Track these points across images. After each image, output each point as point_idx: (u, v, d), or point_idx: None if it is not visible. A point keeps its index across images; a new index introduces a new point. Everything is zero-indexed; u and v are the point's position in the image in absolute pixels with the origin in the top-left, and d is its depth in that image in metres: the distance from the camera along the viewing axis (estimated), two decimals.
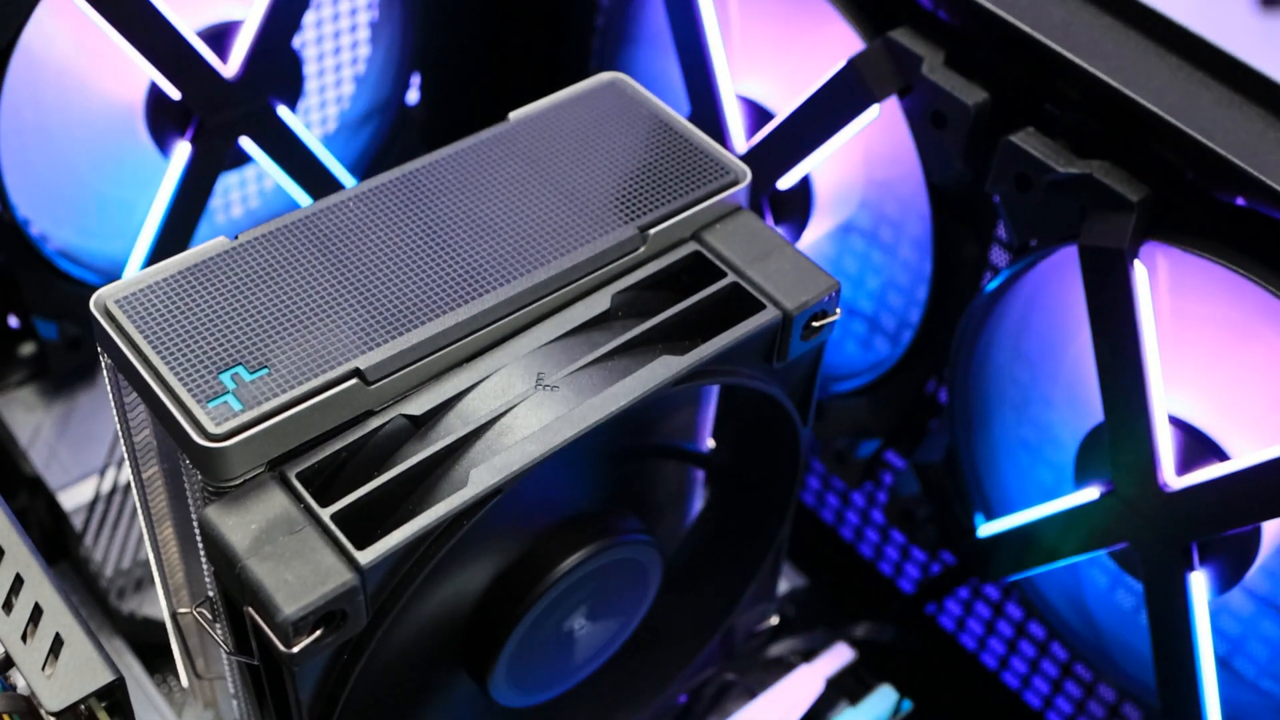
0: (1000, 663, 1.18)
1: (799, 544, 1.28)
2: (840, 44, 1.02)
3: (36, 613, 0.69)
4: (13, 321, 1.24)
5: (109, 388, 0.77)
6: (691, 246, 0.83)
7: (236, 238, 0.77)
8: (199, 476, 0.71)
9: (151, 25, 1.06)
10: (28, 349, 1.27)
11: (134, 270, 1.21)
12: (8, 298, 1.20)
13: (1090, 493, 0.97)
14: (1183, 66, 0.88)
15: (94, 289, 1.16)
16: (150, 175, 1.19)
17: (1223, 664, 0.98)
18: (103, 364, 0.76)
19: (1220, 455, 0.90)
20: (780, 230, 1.11)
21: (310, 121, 1.32)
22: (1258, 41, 2.48)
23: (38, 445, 1.25)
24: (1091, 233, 0.87)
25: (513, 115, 0.87)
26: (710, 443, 0.95)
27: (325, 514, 0.69)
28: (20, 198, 1.13)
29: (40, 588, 0.70)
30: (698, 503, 1.00)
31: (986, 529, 1.07)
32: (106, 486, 1.20)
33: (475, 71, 1.42)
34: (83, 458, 1.24)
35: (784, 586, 1.26)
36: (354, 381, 0.72)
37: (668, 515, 0.98)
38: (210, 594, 0.80)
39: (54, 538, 1.24)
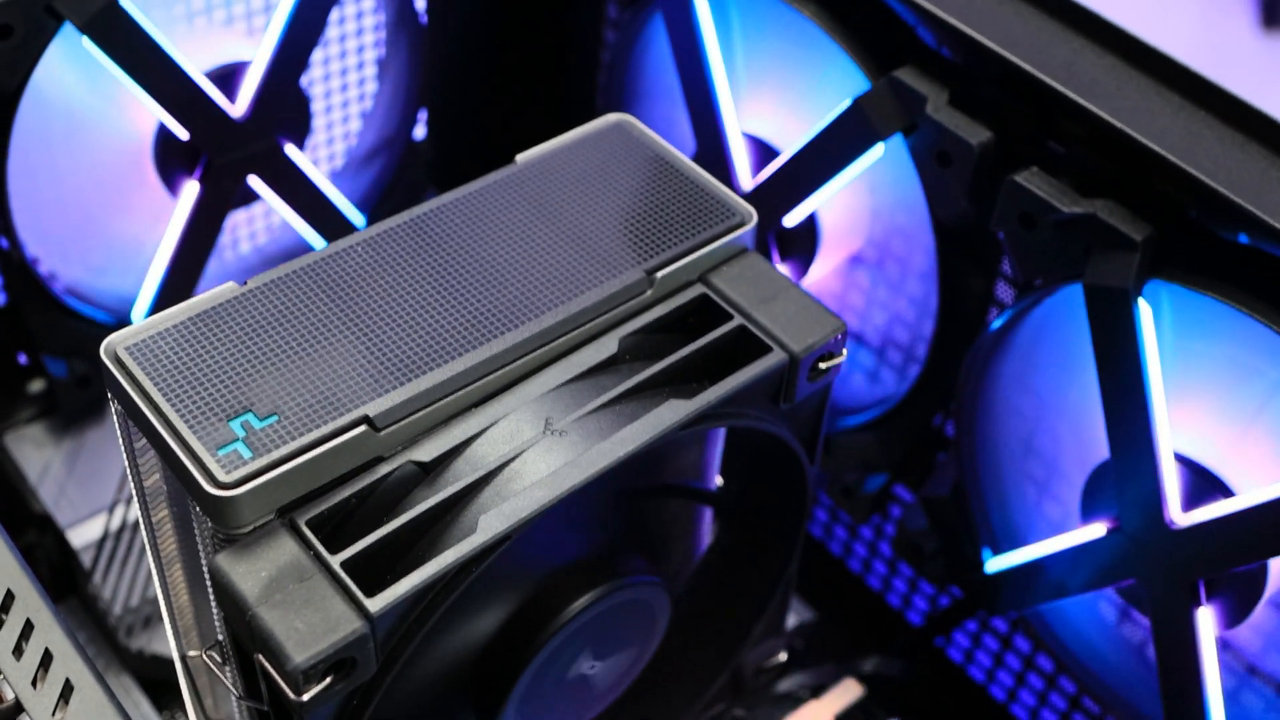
0: (1009, 695, 1.18)
1: (806, 575, 1.28)
2: (845, 82, 1.02)
3: (47, 658, 0.70)
4: (21, 358, 1.24)
5: (119, 433, 0.78)
6: (698, 289, 0.84)
7: (245, 283, 0.78)
8: (209, 523, 0.71)
9: (160, 68, 1.07)
10: (37, 386, 1.28)
11: (143, 307, 1.21)
12: (16, 335, 1.21)
13: (1097, 529, 0.97)
14: (1185, 106, 0.89)
15: (102, 327, 1.18)
16: (159, 214, 1.19)
17: (1230, 698, 0.98)
18: (113, 410, 0.76)
19: (1226, 492, 0.91)
20: (787, 266, 1.12)
21: (318, 158, 1.33)
22: (1260, 62, 2.48)
23: (47, 482, 1.25)
24: (1096, 272, 0.88)
25: (520, 158, 0.87)
26: (718, 480, 0.96)
27: (335, 561, 0.69)
28: (29, 236, 1.14)
29: (50, 633, 0.70)
30: (706, 539, 1.00)
31: (994, 563, 1.07)
32: (115, 524, 1.21)
33: (482, 107, 1.43)
34: (91, 495, 1.25)
35: (792, 620, 1.26)
36: (363, 428, 0.72)
37: (675, 552, 0.98)
38: (220, 638, 0.80)
39: (62, 574, 1.24)
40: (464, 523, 0.73)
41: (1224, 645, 0.96)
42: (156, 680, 1.18)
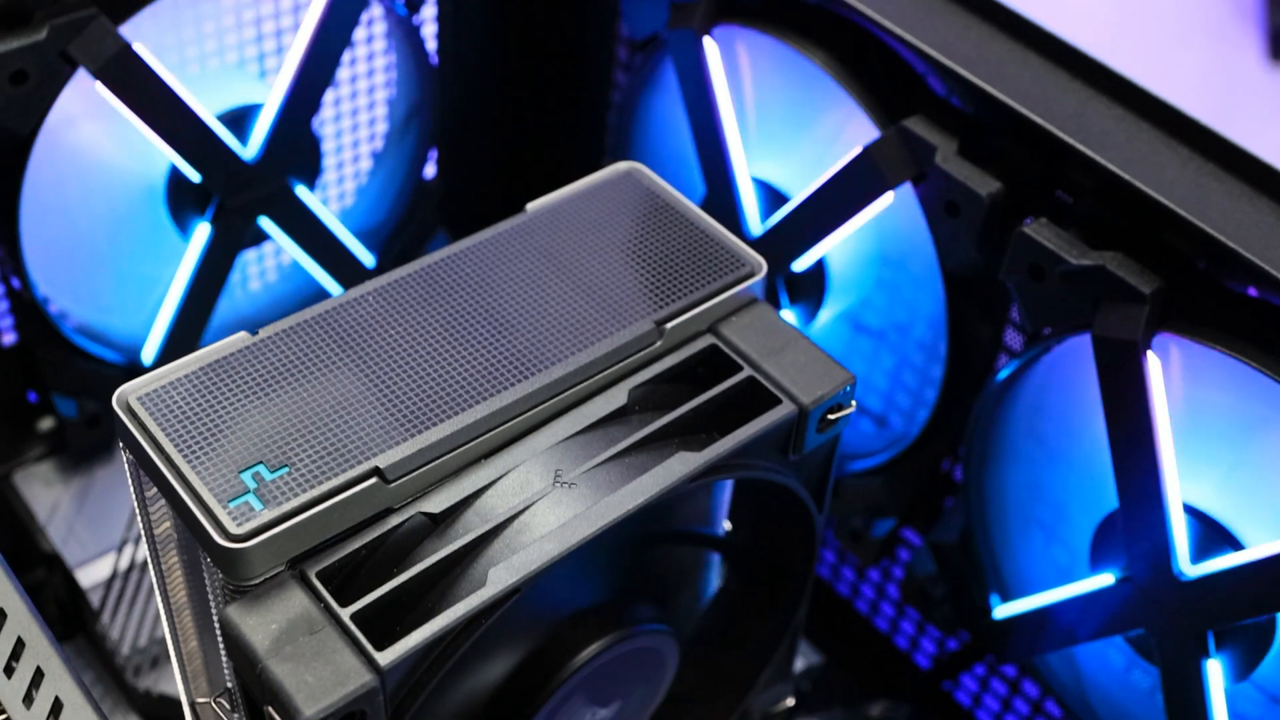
0: None
1: (813, 616, 1.28)
2: (854, 130, 1.03)
3: (57, 706, 0.70)
4: (32, 397, 1.25)
5: (130, 481, 0.78)
6: (708, 339, 0.84)
7: (257, 332, 0.78)
8: (220, 574, 0.71)
9: (172, 111, 1.07)
10: (46, 424, 1.28)
11: (153, 347, 1.22)
12: (27, 374, 1.21)
13: (1106, 578, 0.97)
14: (1194, 158, 0.89)
15: (113, 366, 1.18)
16: (170, 254, 1.20)
17: None
18: (124, 459, 0.76)
19: (1235, 545, 0.91)
20: (795, 310, 1.12)
21: (328, 196, 1.33)
22: (1267, 94, 2.48)
23: (55, 521, 1.25)
24: (1105, 324, 0.88)
25: (530, 206, 0.88)
26: (726, 525, 0.96)
27: (345, 614, 0.69)
28: (40, 276, 1.14)
29: (60, 681, 0.70)
30: (713, 584, 1.00)
31: (1002, 610, 1.07)
32: (124, 563, 1.21)
33: (492, 147, 1.43)
34: (100, 534, 1.25)
35: (799, 663, 1.26)
36: (374, 480, 0.72)
37: (683, 598, 0.98)
38: (229, 685, 0.80)
39: (70, 613, 1.24)
40: (473, 575, 0.73)
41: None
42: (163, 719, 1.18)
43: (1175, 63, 2.47)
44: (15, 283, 1.12)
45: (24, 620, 0.71)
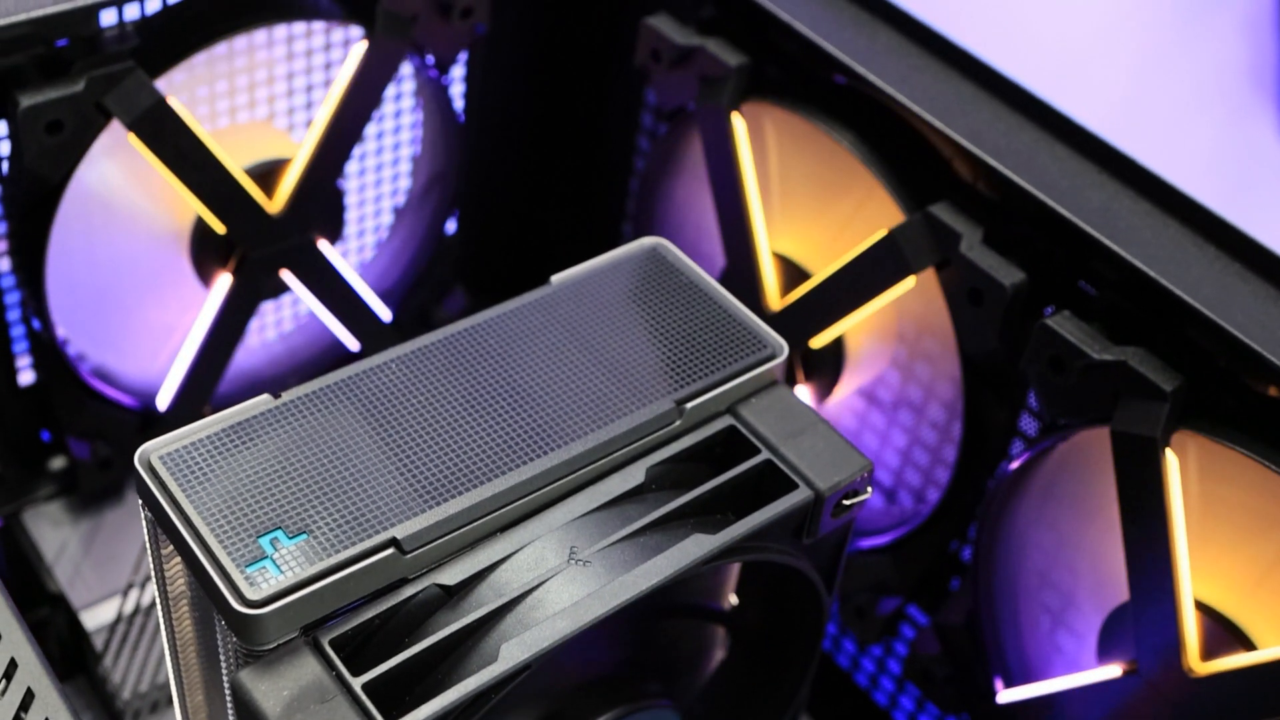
0: None
1: (812, 688, 1.28)
2: (879, 212, 1.03)
3: None
4: (45, 436, 1.25)
5: (146, 538, 0.78)
6: (726, 420, 0.84)
7: (279, 395, 0.78)
8: (233, 638, 0.71)
9: (202, 165, 1.08)
10: (58, 463, 1.28)
11: (169, 394, 1.22)
12: (42, 414, 1.22)
13: (1113, 669, 0.97)
14: (1220, 257, 0.89)
15: (127, 411, 1.19)
16: (190, 303, 1.20)
17: None
18: (142, 516, 0.77)
19: (1248, 645, 0.91)
20: (811, 386, 1.12)
21: (348, 249, 1.34)
22: None
23: (62, 561, 1.25)
24: (1124, 419, 0.88)
25: (555, 279, 0.88)
26: (733, 599, 0.96)
27: (357, 684, 0.69)
28: (61, 318, 1.14)
29: (58, 714, 0.70)
30: (718, 656, 1.00)
31: (1006, 695, 1.07)
32: (129, 607, 1.21)
33: (514, 207, 1.44)
34: (107, 576, 1.25)
35: None
36: (391, 550, 0.72)
37: (687, 669, 0.98)
38: None
39: (72, 654, 1.24)
40: (485, 649, 0.73)
41: None
42: None
43: (1193, 134, 2.48)
44: (36, 324, 1.13)
45: (31, 666, 0.71)
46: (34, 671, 0.71)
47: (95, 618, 1.23)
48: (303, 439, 0.76)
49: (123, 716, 1.19)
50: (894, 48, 1.03)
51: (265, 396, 0.78)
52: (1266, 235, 0.91)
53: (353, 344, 1.30)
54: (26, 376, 1.20)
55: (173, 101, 1.04)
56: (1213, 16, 2.70)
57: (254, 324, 1.31)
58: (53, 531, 1.28)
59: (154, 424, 1.23)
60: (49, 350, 1.15)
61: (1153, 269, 0.87)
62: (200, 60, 1.09)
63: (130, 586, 1.22)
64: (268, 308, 1.32)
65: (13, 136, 1.00)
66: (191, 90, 1.11)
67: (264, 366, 1.34)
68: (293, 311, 1.35)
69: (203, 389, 1.23)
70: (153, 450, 0.75)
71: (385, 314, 1.31)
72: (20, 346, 1.18)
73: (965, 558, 1.12)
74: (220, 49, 1.10)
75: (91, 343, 1.21)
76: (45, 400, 1.19)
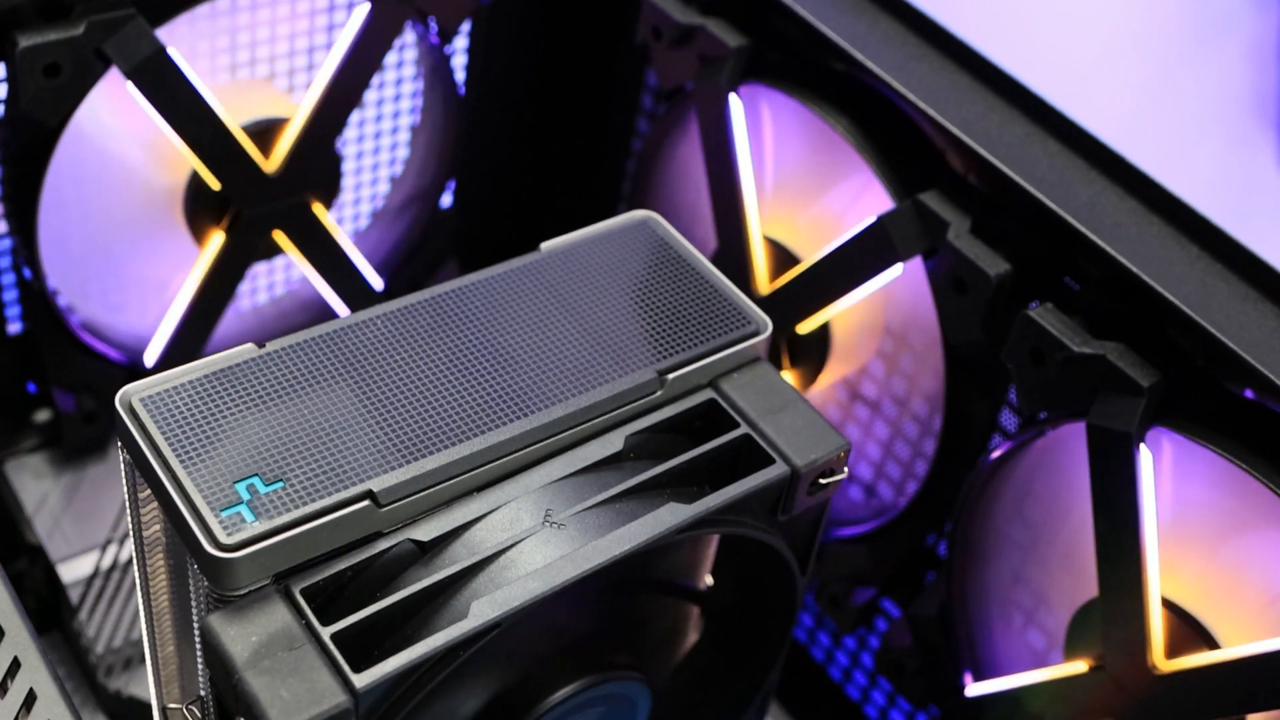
0: None
1: (785, 680, 1.28)
2: (870, 199, 1.04)
3: (30, 698, 0.70)
4: (31, 387, 1.25)
5: (124, 481, 0.78)
6: (708, 394, 0.85)
7: (264, 345, 0.79)
8: (205, 582, 0.71)
9: (200, 118, 1.08)
10: (43, 415, 1.28)
11: (157, 349, 1.22)
12: (29, 364, 1.22)
13: (1079, 665, 0.97)
14: (1203, 256, 0.90)
15: (114, 365, 1.19)
16: (182, 259, 1.20)
17: None
18: (121, 458, 0.77)
19: (1211, 643, 0.91)
20: (796, 372, 1.13)
21: (343, 216, 1.34)
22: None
23: (42, 513, 1.26)
24: (1101, 413, 0.88)
25: (544, 246, 0.88)
26: (708, 579, 0.96)
27: (326, 633, 0.70)
28: (52, 268, 1.15)
29: (36, 674, 0.71)
30: (691, 635, 1.01)
31: (975, 688, 1.08)
32: (106, 562, 1.21)
33: (510, 181, 1.44)
34: (86, 530, 1.25)
35: None
36: (366, 503, 0.73)
37: (660, 647, 0.98)
38: (203, 693, 0.80)
39: (49, 607, 1.24)
40: (456, 606, 0.73)
41: None
42: None
43: (1192, 156, 2.49)
44: (27, 273, 1.13)
45: (6, 611, 0.72)
46: (12, 622, 0.71)
47: (72, 571, 1.23)
48: (284, 389, 0.77)
49: (96, 671, 1.19)
50: (893, 36, 1.04)
51: (249, 345, 0.78)
52: (1258, 249, 0.91)
53: (343, 311, 1.30)
54: (15, 326, 1.20)
55: (173, 52, 1.04)
56: (1220, 41, 2.71)
57: (244, 287, 1.32)
58: (34, 483, 1.28)
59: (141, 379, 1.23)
60: (39, 301, 1.15)
61: (1136, 266, 0.87)
62: (203, 12, 1.09)
63: (109, 542, 1.22)
64: (259, 270, 1.32)
65: (10, 78, 1.00)
66: (193, 43, 1.11)
67: (253, 329, 1.34)
68: (284, 276, 1.35)
69: (191, 347, 1.24)
70: (134, 392, 0.75)
71: (377, 283, 1.31)
72: (10, 295, 1.19)
73: (941, 551, 1.13)
74: (223, 2, 1.11)
75: (82, 295, 1.21)
76: (33, 351, 1.20)
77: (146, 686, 0.88)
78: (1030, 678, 1.02)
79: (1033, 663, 1.05)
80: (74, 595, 1.21)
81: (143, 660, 1.17)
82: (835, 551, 1.16)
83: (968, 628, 1.09)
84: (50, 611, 1.24)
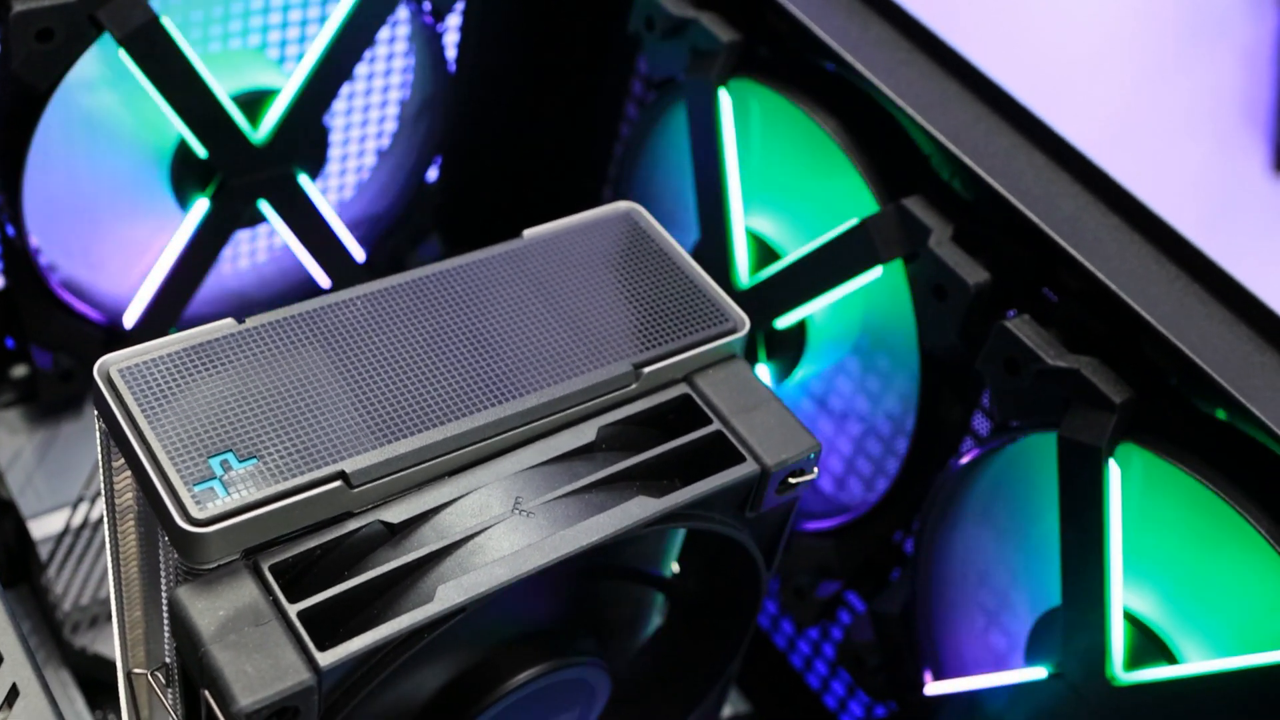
0: None
1: (747, 666, 1.29)
2: (854, 199, 1.04)
3: None
4: (9, 343, 1.25)
5: (99, 449, 0.79)
6: (682, 389, 0.85)
7: (244, 321, 0.79)
8: (175, 554, 0.72)
9: (190, 86, 1.08)
10: (20, 371, 1.29)
11: (136, 312, 1.22)
12: (7, 321, 1.22)
13: (1039, 671, 0.98)
14: (1181, 276, 0.91)
15: (93, 325, 1.19)
16: (165, 224, 1.21)
17: None
18: (96, 427, 0.77)
19: (1170, 657, 0.92)
20: (772, 366, 1.13)
21: (327, 187, 1.34)
22: (1266, 206, 2.51)
23: (15, 469, 1.26)
24: (1072, 426, 0.89)
25: (527, 233, 0.89)
26: (674, 567, 0.97)
27: (292, 610, 0.70)
28: (35, 226, 1.15)
29: (4, 635, 0.71)
30: (654, 622, 1.01)
31: (934, 687, 1.09)
32: (77, 520, 1.22)
33: (496, 159, 1.44)
34: (58, 487, 1.25)
35: (727, 710, 1.27)
36: (338, 483, 0.73)
37: (622, 633, 0.99)
38: (168, 661, 0.81)
39: (18, 562, 1.25)
40: (422, 589, 0.74)
41: None
42: (95, 679, 1.19)
43: (1181, 158, 2.50)
44: (10, 230, 1.13)
45: None
46: None
47: (43, 528, 1.23)
48: (262, 366, 0.77)
49: (61, 628, 1.19)
50: (885, 40, 1.04)
51: (229, 320, 0.79)
52: (1238, 264, 0.92)
53: (324, 280, 1.31)
54: None
55: (166, 21, 1.04)
56: (1213, 45, 2.72)
57: (227, 252, 1.32)
58: (8, 438, 1.28)
59: (119, 341, 1.23)
60: (20, 257, 1.15)
61: (1114, 282, 0.88)
62: None
63: (80, 500, 1.23)
64: (242, 237, 1.32)
65: (3, 40, 1.00)
66: (185, 12, 1.11)
67: (234, 295, 1.34)
68: (267, 243, 1.35)
69: (170, 311, 1.24)
70: (112, 363, 0.75)
71: (359, 254, 1.31)
72: None
73: (908, 549, 1.14)
74: None
75: (64, 254, 1.21)
76: (12, 307, 1.20)
77: (112, 646, 0.89)
78: (989, 680, 1.03)
79: (993, 665, 1.06)
80: (44, 552, 1.21)
81: (109, 620, 1.18)
82: (802, 545, 1.17)
83: (930, 626, 1.10)
84: (19, 566, 1.25)
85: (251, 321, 0.79)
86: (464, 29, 1.31)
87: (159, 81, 1.07)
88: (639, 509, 0.79)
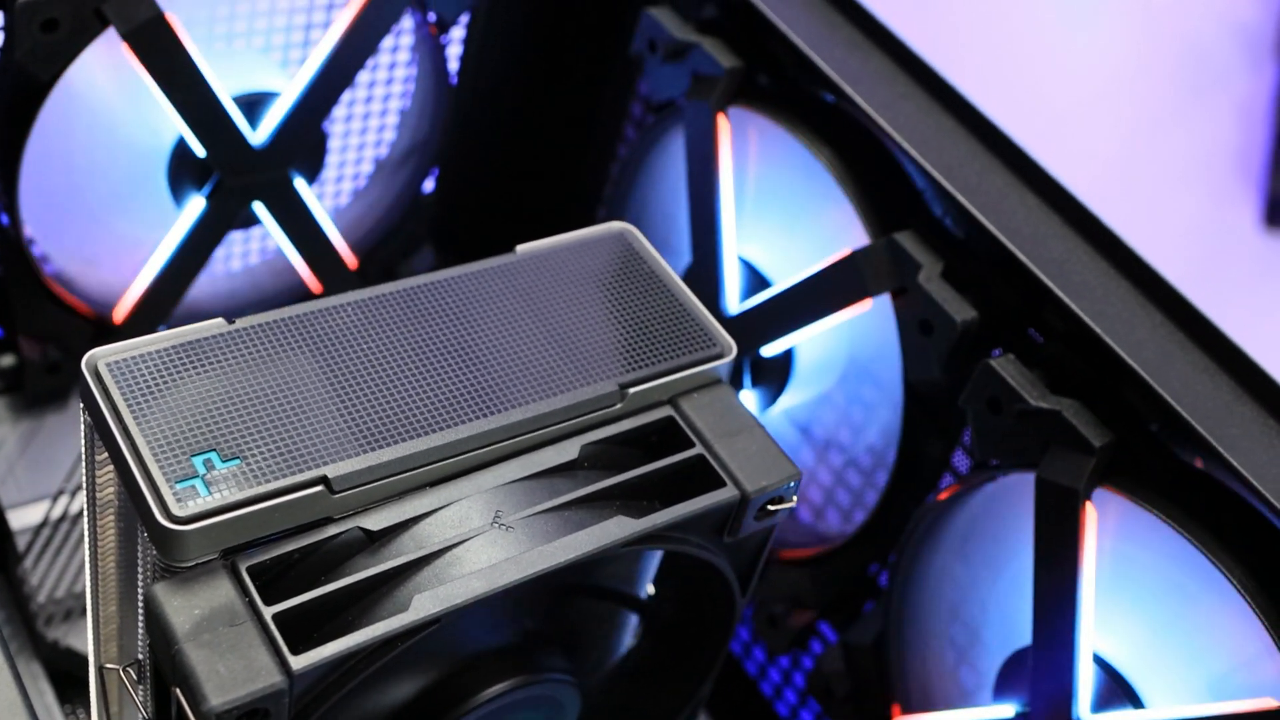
0: None
1: (717, 691, 1.29)
2: (846, 231, 1.05)
3: None
4: None
5: (83, 442, 0.79)
6: (666, 411, 0.86)
7: (234, 322, 0.79)
8: (153, 551, 0.72)
9: (192, 85, 1.09)
10: (7, 360, 1.28)
11: (126, 307, 1.23)
12: None
13: (1006, 709, 0.99)
14: (1166, 324, 0.91)
15: (83, 319, 1.19)
16: (161, 221, 1.21)
17: None
18: (81, 420, 0.78)
19: (1136, 701, 0.92)
20: (757, 393, 1.14)
21: (323, 193, 1.35)
22: (1256, 261, 2.52)
23: None
24: (1051, 467, 0.90)
25: (520, 249, 0.89)
26: (650, 589, 0.97)
27: (267, 613, 0.70)
28: (30, 216, 1.15)
29: None
30: (627, 642, 1.02)
31: None
32: (57, 513, 1.22)
33: (493, 174, 1.45)
34: (39, 479, 1.25)
35: None
36: (319, 488, 0.73)
37: (595, 651, 0.99)
38: (141, 658, 0.81)
39: None
40: (398, 598, 0.74)
41: None
42: (66, 672, 1.19)
43: (1171, 210, 2.51)
44: (4, 219, 1.13)
45: None
46: None
47: (21, 518, 1.23)
48: (250, 367, 0.77)
49: (35, 619, 1.19)
50: (884, 74, 1.05)
51: (219, 320, 0.79)
52: (1223, 314, 0.93)
53: (315, 286, 1.31)
54: None
55: (171, 18, 1.04)
56: (1210, 97, 2.73)
57: (220, 252, 1.32)
58: None
59: (108, 335, 1.23)
60: (13, 247, 1.16)
61: (1099, 326, 0.89)
62: None
63: (61, 493, 1.23)
64: (236, 238, 1.33)
65: (7, 28, 1.00)
66: (190, 9, 1.12)
67: (224, 295, 1.34)
68: (260, 245, 1.36)
69: (160, 308, 1.24)
70: (100, 357, 0.76)
71: (351, 261, 1.32)
72: None
73: (882, 582, 1.14)
74: None
75: (57, 246, 1.21)
76: (2, 296, 1.20)
77: (85, 641, 0.89)
78: (957, 716, 1.03)
79: (960, 701, 1.06)
80: (22, 543, 1.21)
81: (83, 614, 1.18)
82: (778, 573, 1.17)
83: (901, 660, 1.11)
84: None
85: (241, 322, 0.79)
86: (467, 42, 1.32)
87: (161, 79, 1.07)
88: (618, 528, 0.79)
